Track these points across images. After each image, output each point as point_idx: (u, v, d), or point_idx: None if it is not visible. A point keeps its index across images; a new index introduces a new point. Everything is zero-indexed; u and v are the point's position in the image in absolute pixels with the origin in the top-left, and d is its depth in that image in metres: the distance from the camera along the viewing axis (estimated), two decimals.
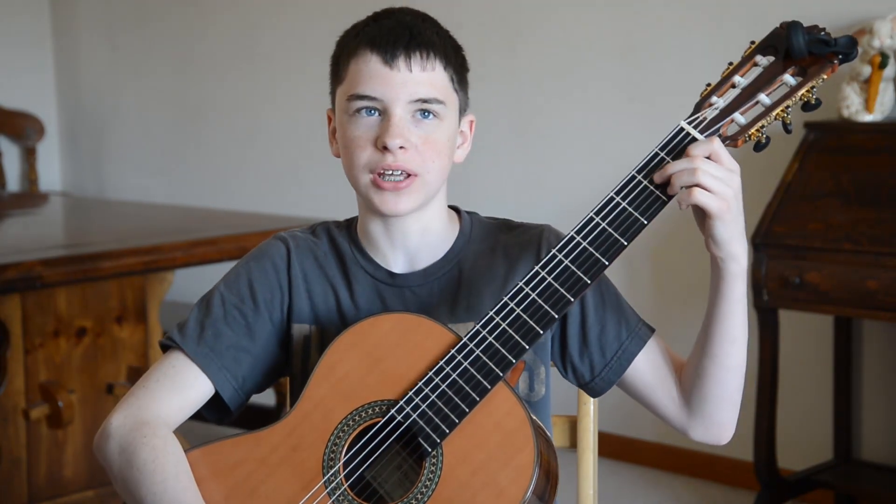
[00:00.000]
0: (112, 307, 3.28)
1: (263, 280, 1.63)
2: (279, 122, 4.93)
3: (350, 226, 1.68)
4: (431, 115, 1.55)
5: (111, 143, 5.59)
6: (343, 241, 1.66)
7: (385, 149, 1.53)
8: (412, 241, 1.62)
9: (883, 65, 3.21)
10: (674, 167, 1.42)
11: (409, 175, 1.54)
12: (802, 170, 3.24)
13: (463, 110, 1.62)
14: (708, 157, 1.42)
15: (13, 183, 5.58)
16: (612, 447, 3.82)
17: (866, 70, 3.24)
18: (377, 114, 1.55)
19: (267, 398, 3.90)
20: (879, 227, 3.06)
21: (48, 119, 5.68)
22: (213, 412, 1.63)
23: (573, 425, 1.74)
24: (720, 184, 1.41)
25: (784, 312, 3.42)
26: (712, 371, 1.55)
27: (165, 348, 1.63)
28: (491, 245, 1.65)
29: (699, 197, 1.40)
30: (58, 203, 4.85)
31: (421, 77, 1.54)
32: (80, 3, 5.62)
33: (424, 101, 1.54)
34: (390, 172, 1.54)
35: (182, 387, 1.58)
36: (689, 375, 1.59)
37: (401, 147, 1.53)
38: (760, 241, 3.19)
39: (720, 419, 1.59)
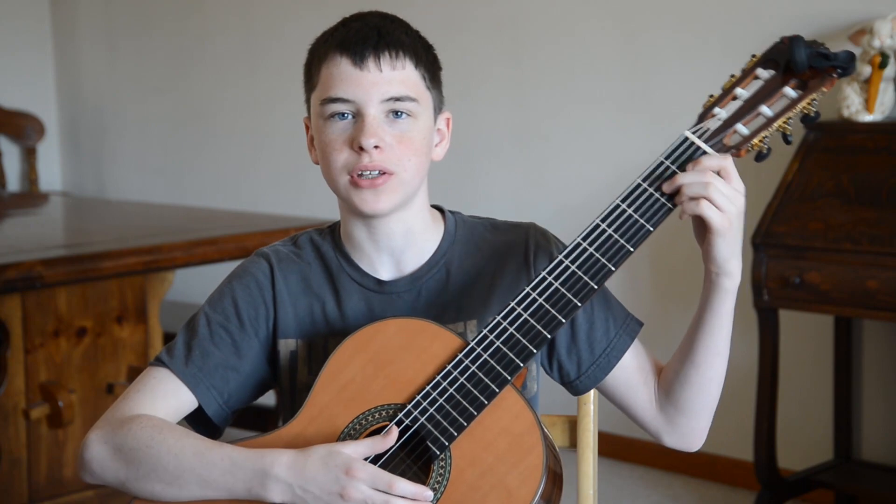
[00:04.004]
0: (112, 307, 3.28)
1: (247, 298, 1.63)
2: (279, 121, 4.93)
3: (333, 232, 1.67)
4: (405, 115, 1.55)
5: (111, 143, 5.59)
6: (328, 249, 1.65)
7: (361, 149, 1.53)
8: (397, 243, 1.62)
9: (883, 65, 3.21)
10: (685, 178, 1.44)
11: (385, 173, 1.54)
12: (802, 170, 3.24)
13: (438, 108, 1.62)
14: (717, 173, 1.44)
15: (13, 183, 5.58)
16: (612, 447, 3.82)
17: (866, 70, 3.24)
18: (351, 116, 1.55)
19: (267, 398, 3.90)
20: (879, 227, 3.06)
21: (48, 119, 5.68)
22: (200, 428, 1.63)
23: (573, 425, 1.73)
24: (727, 201, 1.43)
25: (784, 312, 3.42)
26: (695, 379, 1.57)
27: None
28: (477, 245, 1.65)
29: (706, 210, 1.43)
30: (58, 203, 4.85)
31: (392, 76, 1.55)
32: (80, 4, 5.62)
33: (397, 99, 1.55)
34: (367, 172, 1.54)
35: (163, 395, 1.58)
36: (670, 381, 1.60)
37: (376, 146, 1.53)
38: (760, 241, 3.19)
39: (695, 427, 1.61)
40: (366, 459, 1.45)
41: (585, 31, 4.02)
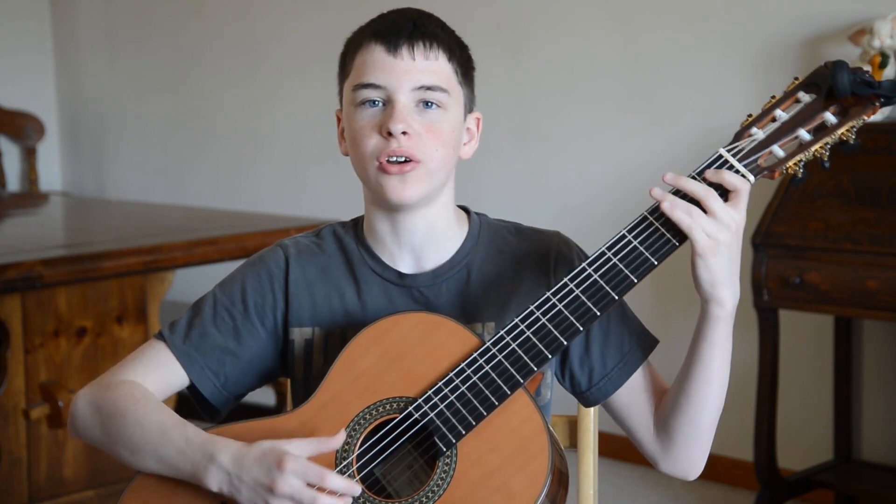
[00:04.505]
0: (112, 307, 3.28)
1: (256, 285, 1.64)
2: (279, 122, 4.93)
3: (356, 225, 1.68)
4: (435, 105, 1.56)
5: (111, 143, 5.60)
6: (350, 241, 1.66)
7: (389, 135, 1.54)
8: (418, 239, 1.62)
9: (883, 65, 3.21)
10: (690, 186, 1.43)
11: (412, 160, 1.55)
12: (803, 169, 3.24)
13: (469, 107, 1.63)
14: (728, 191, 1.42)
15: (13, 183, 5.58)
16: (612, 447, 3.82)
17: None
18: (381, 104, 1.56)
19: (267, 398, 3.90)
20: (879, 227, 3.06)
21: (48, 119, 5.69)
22: (202, 410, 1.65)
23: (573, 425, 1.74)
24: (715, 228, 1.42)
25: (784, 312, 3.42)
26: (685, 408, 1.56)
27: None
28: (500, 248, 1.65)
29: (692, 229, 1.42)
30: (58, 203, 4.85)
31: (424, 65, 1.56)
32: (80, 4, 5.62)
33: (428, 88, 1.55)
34: (395, 158, 1.54)
35: (155, 368, 1.61)
36: (665, 406, 1.59)
37: (404, 133, 1.54)
38: (760, 241, 3.19)
39: (689, 455, 1.60)
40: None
41: (585, 31, 4.02)
